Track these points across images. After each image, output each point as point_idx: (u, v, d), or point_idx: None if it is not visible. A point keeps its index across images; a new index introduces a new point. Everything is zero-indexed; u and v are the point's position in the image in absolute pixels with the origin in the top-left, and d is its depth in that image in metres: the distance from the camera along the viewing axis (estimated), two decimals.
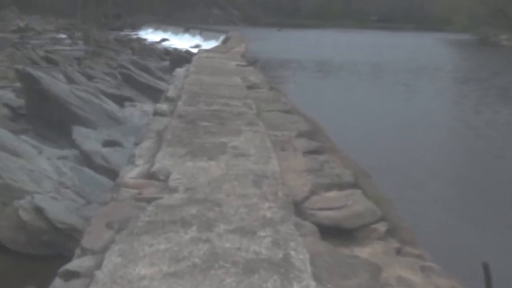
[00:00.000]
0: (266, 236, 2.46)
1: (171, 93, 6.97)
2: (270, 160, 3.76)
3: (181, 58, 23.90)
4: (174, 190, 3.05)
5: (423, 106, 15.79)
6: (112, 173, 7.57)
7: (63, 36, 48.60)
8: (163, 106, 6.06)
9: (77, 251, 2.44)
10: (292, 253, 2.31)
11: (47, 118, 12.03)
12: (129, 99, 15.44)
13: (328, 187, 3.46)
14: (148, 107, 12.97)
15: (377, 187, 3.84)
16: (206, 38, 40.55)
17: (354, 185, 3.55)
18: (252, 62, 13.04)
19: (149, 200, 2.91)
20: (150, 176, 3.44)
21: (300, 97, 11.95)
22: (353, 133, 11.07)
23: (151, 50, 35.56)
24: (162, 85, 15.06)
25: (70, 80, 15.71)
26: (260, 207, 2.82)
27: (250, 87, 7.88)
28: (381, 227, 3.04)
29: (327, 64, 27.10)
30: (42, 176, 8.15)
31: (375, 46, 39.03)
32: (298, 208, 3.06)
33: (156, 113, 5.91)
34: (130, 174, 3.59)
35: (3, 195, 7.39)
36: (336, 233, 2.97)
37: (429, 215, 7.31)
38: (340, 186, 3.49)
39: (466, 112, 15.35)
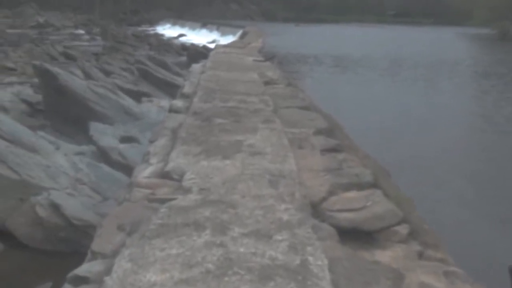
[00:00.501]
0: (282, 240, 2.36)
1: (186, 89, 6.89)
2: (287, 158, 3.65)
3: (198, 53, 23.87)
4: (188, 191, 2.96)
5: (443, 102, 15.56)
6: (128, 169, 7.53)
7: (81, 32, 48.89)
8: (179, 103, 5.98)
9: (88, 255, 2.36)
10: (310, 258, 2.20)
11: (65, 113, 12.05)
12: (146, 95, 15.43)
13: (347, 187, 3.34)
14: (165, 102, 12.93)
15: (398, 186, 3.72)
16: (223, 33, 40.47)
17: (374, 185, 3.43)
18: (269, 57, 12.92)
19: (162, 201, 2.82)
20: (164, 175, 3.36)
21: (317, 92, 11.82)
22: (372, 129, 10.91)
23: (168, 45, 35.59)
24: (179, 80, 15.01)
25: (88, 76, 15.75)
26: (277, 209, 2.72)
27: (267, 82, 7.77)
28: (403, 229, 2.92)
29: (345, 59, 26.87)
30: (59, 172, 8.14)
31: (393, 41, 38.67)
32: (315, 209, 2.95)
33: (171, 110, 5.83)
34: (144, 173, 3.51)
35: (20, 191, 7.39)
36: (355, 235, 2.86)
37: (450, 214, 7.16)
38: (359, 186, 3.37)
39: (486, 107, 15.09)
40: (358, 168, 3.68)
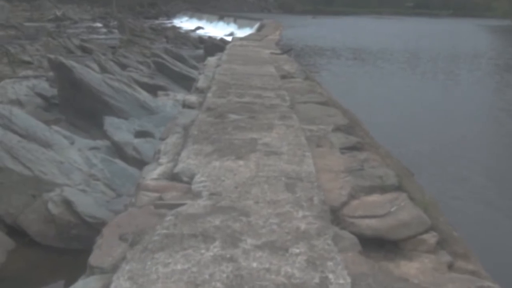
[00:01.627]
0: (299, 254, 2.13)
1: (201, 83, 6.67)
2: (304, 159, 3.41)
3: (215, 46, 23.68)
4: (197, 195, 2.74)
5: (464, 95, 15.18)
6: (143, 165, 7.39)
7: (99, 25, 49.00)
8: (192, 98, 5.76)
9: (87, 270, 2.15)
10: (330, 276, 1.97)
11: (80, 107, 11.98)
12: (163, 88, 15.33)
13: (369, 190, 3.10)
14: (181, 96, 12.79)
15: (423, 188, 3.47)
16: (241, 26, 40.22)
17: (398, 188, 3.18)
18: (286, 50, 12.66)
19: (169, 207, 2.61)
20: (173, 177, 3.14)
21: (336, 86, 11.55)
22: (392, 124, 10.63)
23: (185, 38, 35.45)
24: (195, 73, 14.85)
25: (103, 69, 15.67)
26: (293, 216, 2.48)
27: (284, 76, 7.52)
28: (431, 238, 2.67)
29: (363, 52, 26.47)
30: (72, 168, 8.01)
31: (412, 33, 38.11)
32: (335, 215, 2.72)
33: (184, 105, 5.62)
34: (152, 175, 3.30)
35: (32, 187, 7.28)
36: (379, 244, 2.62)
37: (473, 214, 6.88)
38: (383, 189, 3.13)
39: (510, 101, 14.68)
40: (381, 169, 3.43)
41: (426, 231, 2.68)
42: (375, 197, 3.02)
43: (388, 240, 2.63)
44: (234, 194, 2.73)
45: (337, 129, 4.59)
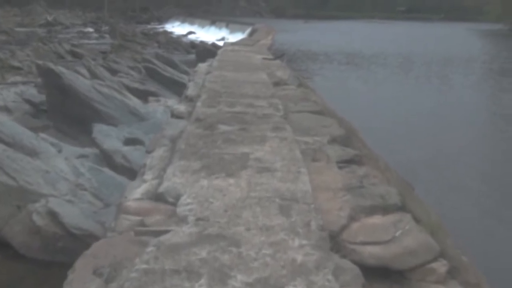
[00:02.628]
0: None
1: (190, 91, 6.41)
2: (300, 176, 3.16)
3: (207, 51, 23.45)
4: (182, 220, 2.48)
5: (459, 100, 15.00)
6: (132, 173, 7.18)
7: (90, 30, 48.76)
8: (181, 107, 5.50)
9: None
10: None
11: (68, 114, 11.74)
12: (153, 94, 15.12)
13: (370, 211, 2.85)
14: (172, 102, 12.59)
15: (428, 207, 3.23)
16: (233, 31, 40.02)
17: (401, 208, 2.94)
18: (278, 55, 12.44)
19: (151, 234, 2.35)
20: (158, 197, 2.89)
21: (330, 92, 11.34)
22: (387, 129, 10.42)
23: (177, 43, 35.22)
24: (186, 79, 14.64)
25: (93, 75, 15.43)
26: (289, 245, 2.23)
27: (277, 83, 7.28)
28: (440, 267, 2.42)
29: (356, 56, 26.31)
30: (59, 177, 7.75)
31: (405, 37, 38.06)
32: (335, 240, 2.47)
33: (173, 115, 5.36)
34: (135, 193, 3.04)
35: (17, 198, 7.03)
36: (384, 274, 2.38)
37: (470, 221, 6.66)
38: (385, 209, 2.88)
39: (505, 106, 14.50)
40: (382, 187, 3.19)
41: (435, 259, 2.44)
42: (376, 219, 2.77)
43: (393, 270, 2.38)
44: (223, 218, 2.47)
45: (333, 140, 4.35)
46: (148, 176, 3.42)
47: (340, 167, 3.65)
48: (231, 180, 3.02)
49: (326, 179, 3.29)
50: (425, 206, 3.20)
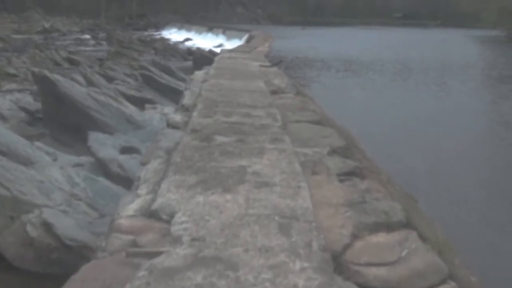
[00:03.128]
0: None
1: (186, 100, 6.28)
2: (300, 191, 3.03)
3: (204, 57, 23.37)
4: (177, 240, 2.35)
5: (458, 107, 14.90)
6: (128, 182, 7.07)
7: (87, 36, 48.66)
8: (177, 117, 5.37)
9: None
10: None
11: (64, 122, 11.64)
12: (150, 101, 15.02)
13: (374, 228, 2.72)
14: (169, 109, 12.49)
15: (433, 223, 3.10)
16: (230, 37, 39.95)
17: (406, 225, 2.81)
18: (276, 62, 12.34)
19: (143, 255, 2.22)
20: (151, 214, 2.75)
21: (327, 99, 11.23)
22: (386, 137, 10.31)
23: (174, 50, 35.13)
24: (183, 86, 14.57)
25: (90, 82, 15.34)
26: (290, 268, 2.10)
27: (275, 92, 7.16)
28: None
29: (354, 63, 26.24)
30: (53, 187, 7.63)
31: (402, 44, 38.05)
32: (337, 261, 2.34)
33: (168, 125, 5.23)
34: (128, 210, 2.91)
35: (10, 209, 6.90)
36: None
37: (476, 235, 6.53)
38: (389, 227, 2.76)
39: (505, 113, 14.39)
40: (386, 202, 3.06)
41: (444, 281, 2.31)
42: (381, 237, 2.64)
43: None
44: (219, 238, 2.34)
45: (333, 151, 4.23)
46: (142, 190, 3.29)
47: (341, 180, 3.52)
48: (228, 196, 2.89)
49: (327, 193, 3.16)
50: (430, 222, 3.07)
